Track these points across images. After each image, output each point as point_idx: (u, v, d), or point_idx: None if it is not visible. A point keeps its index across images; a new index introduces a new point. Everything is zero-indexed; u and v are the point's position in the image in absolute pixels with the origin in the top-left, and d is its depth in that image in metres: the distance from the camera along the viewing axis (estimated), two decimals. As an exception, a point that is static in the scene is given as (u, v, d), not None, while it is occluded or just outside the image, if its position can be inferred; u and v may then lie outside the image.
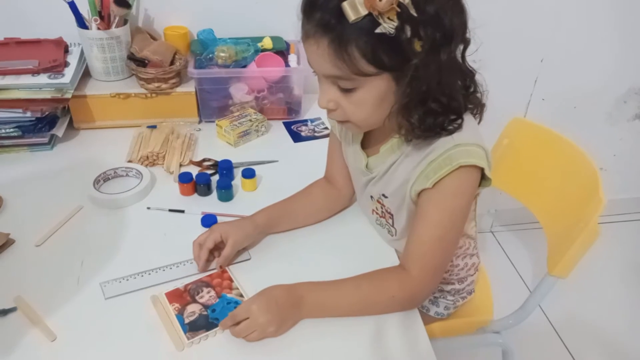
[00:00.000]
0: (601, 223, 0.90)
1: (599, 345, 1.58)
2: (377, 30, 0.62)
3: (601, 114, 1.77)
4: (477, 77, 0.75)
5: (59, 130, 1.16)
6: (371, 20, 0.62)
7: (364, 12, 0.62)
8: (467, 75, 0.74)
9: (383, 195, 0.84)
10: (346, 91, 0.71)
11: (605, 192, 0.93)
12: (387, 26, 0.62)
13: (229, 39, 1.27)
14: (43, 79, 1.12)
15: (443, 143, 0.73)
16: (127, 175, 1.08)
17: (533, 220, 1.14)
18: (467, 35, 0.70)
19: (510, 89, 1.59)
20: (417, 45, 0.64)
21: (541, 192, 1.13)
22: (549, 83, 1.63)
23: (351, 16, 0.62)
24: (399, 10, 0.61)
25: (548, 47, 1.56)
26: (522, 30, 1.51)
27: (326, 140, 1.00)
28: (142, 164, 1.10)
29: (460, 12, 0.68)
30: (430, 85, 0.68)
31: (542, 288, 1.01)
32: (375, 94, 0.70)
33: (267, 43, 1.28)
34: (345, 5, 0.62)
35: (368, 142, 0.86)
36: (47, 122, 1.13)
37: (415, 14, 0.62)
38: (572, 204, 1.03)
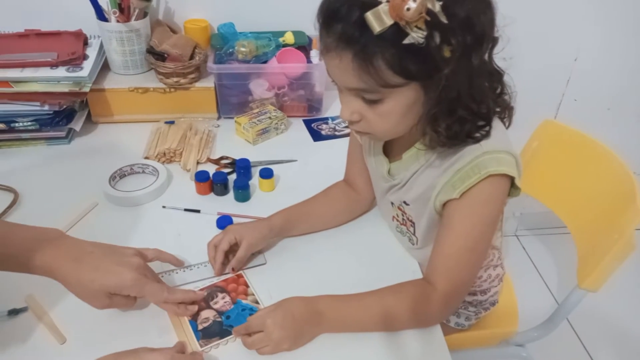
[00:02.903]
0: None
1: None
2: (406, 41, 0.57)
3: (636, 115, 1.69)
4: (505, 77, 0.71)
5: (77, 124, 1.14)
6: (397, 30, 0.57)
7: (389, 22, 0.57)
8: (495, 77, 0.69)
9: (404, 202, 0.81)
10: (371, 102, 0.67)
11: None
12: (416, 36, 0.57)
13: (250, 33, 1.24)
14: (61, 72, 1.11)
15: (470, 150, 0.68)
16: (143, 172, 1.06)
17: (560, 224, 1.09)
18: (496, 33, 0.65)
19: (541, 89, 1.54)
20: (447, 52, 0.60)
21: (572, 199, 1.08)
22: (582, 83, 1.56)
23: (376, 27, 0.57)
24: (428, 18, 0.56)
25: (582, 46, 1.50)
26: (555, 28, 1.44)
27: (347, 139, 0.96)
28: (159, 160, 1.08)
29: (489, 10, 0.63)
30: (461, 92, 0.64)
31: (570, 301, 0.96)
32: (402, 104, 0.66)
33: (289, 38, 1.24)
34: (369, 15, 0.57)
35: (390, 147, 0.82)
36: (64, 116, 1.11)
37: (445, 21, 0.57)
38: (606, 212, 0.98)
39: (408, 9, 0.55)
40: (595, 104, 1.62)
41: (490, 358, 1.09)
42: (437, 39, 0.58)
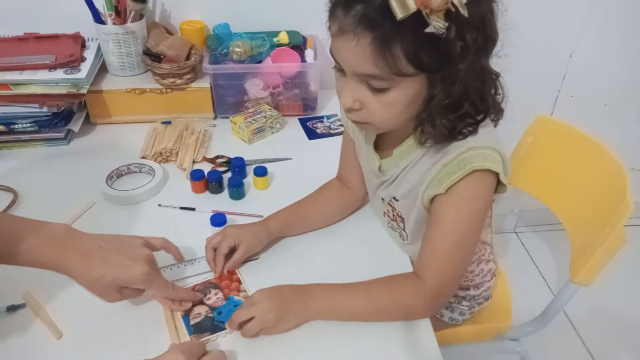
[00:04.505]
0: (631, 225, 0.86)
1: (629, 355, 1.51)
2: (427, 30, 0.57)
3: (633, 111, 1.69)
4: (500, 79, 0.72)
5: (75, 125, 1.16)
6: (418, 18, 0.57)
7: (413, 8, 0.56)
8: (492, 77, 0.70)
9: (394, 198, 0.82)
10: (377, 91, 0.66)
11: (637, 193, 0.89)
12: (438, 25, 0.57)
13: (245, 33, 1.25)
14: (59, 74, 1.13)
15: (457, 146, 0.69)
16: (140, 171, 1.07)
17: (559, 221, 1.09)
18: (497, 36, 0.66)
19: (537, 85, 1.54)
20: (459, 48, 0.61)
21: (565, 195, 1.09)
22: (578, 79, 1.56)
23: (399, 13, 0.57)
24: (453, 9, 0.57)
25: (577, 42, 1.50)
26: (550, 24, 1.45)
27: (342, 137, 0.97)
28: (155, 160, 1.10)
29: (492, 13, 0.64)
30: (467, 89, 0.65)
31: (564, 295, 0.97)
32: (407, 95, 0.66)
33: (283, 38, 1.25)
34: (392, 0, 0.56)
35: (382, 143, 0.83)
36: (62, 117, 1.13)
37: (466, 15, 0.58)
38: (598, 207, 0.98)
39: None
40: (592, 100, 1.62)
41: (485, 352, 1.10)
42: (453, 33, 0.59)
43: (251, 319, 0.71)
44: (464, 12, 0.57)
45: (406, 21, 0.57)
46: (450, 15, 0.57)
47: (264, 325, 0.71)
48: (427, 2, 0.56)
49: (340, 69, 0.69)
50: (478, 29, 0.61)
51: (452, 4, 0.57)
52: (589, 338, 1.56)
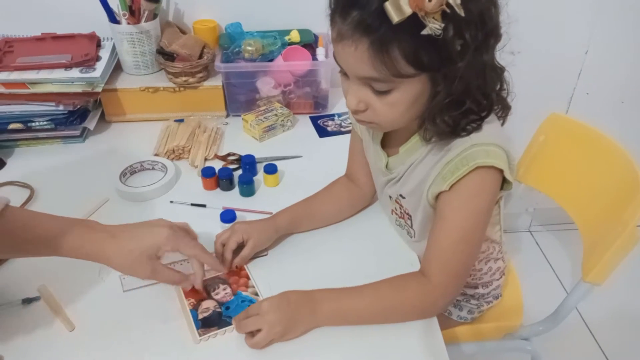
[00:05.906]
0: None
1: (643, 355, 1.50)
2: (424, 32, 0.58)
3: (652, 108, 1.66)
4: (505, 75, 0.71)
5: (91, 123, 1.18)
6: (414, 20, 0.57)
7: (408, 12, 0.57)
8: (497, 73, 0.70)
9: (400, 195, 0.82)
10: (380, 93, 0.67)
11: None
12: (434, 27, 0.57)
13: (256, 32, 1.26)
14: (75, 73, 1.15)
15: (460, 143, 0.69)
16: (152, 168, 1.09)
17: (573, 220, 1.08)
18: (500, 30, 0.66)
19: (552, 82, 1.53)
20: (458, 45, 0.61)
21: (578, 193, 1.07)
22: (594, 76, 1.53)
23: (394, 17, 0.57)
24: (448, 11, 0.57)
25: (592, 38, 1.47)
26: (564, 20, 1.43)
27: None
28: (168, 157, 1.12)
29: (495, 8, 0.64)
30: (471, 86, 0.65)
31: (576, 294, 0.96)
32: (410, 95, 0.66)
33: (295, 36, 1.26)
34: (387, 5, 0.57)
35: (388, 141, 0.84)
36: (78, 115, 1.16)
37: (463, 14, 0.58)
38: (610, 206, 0.97)
39: (430, 0, 0.56)
40: (608, 98, 1.59)
41: (496, 351, 1.09)
42: (451, 32, 0.59)
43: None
44: (460, 11, 0.58)
45: (403, 24, 0.58)
46: (446, 15, 0.57)
47: (272, 337, 0.71)
48: (421, 5, 0.56)
49: (344, 72, 0.70)
50: (477, 26, 0.61)
51: (447, 4, 0.57)
52: (603, 338, 1.54)
